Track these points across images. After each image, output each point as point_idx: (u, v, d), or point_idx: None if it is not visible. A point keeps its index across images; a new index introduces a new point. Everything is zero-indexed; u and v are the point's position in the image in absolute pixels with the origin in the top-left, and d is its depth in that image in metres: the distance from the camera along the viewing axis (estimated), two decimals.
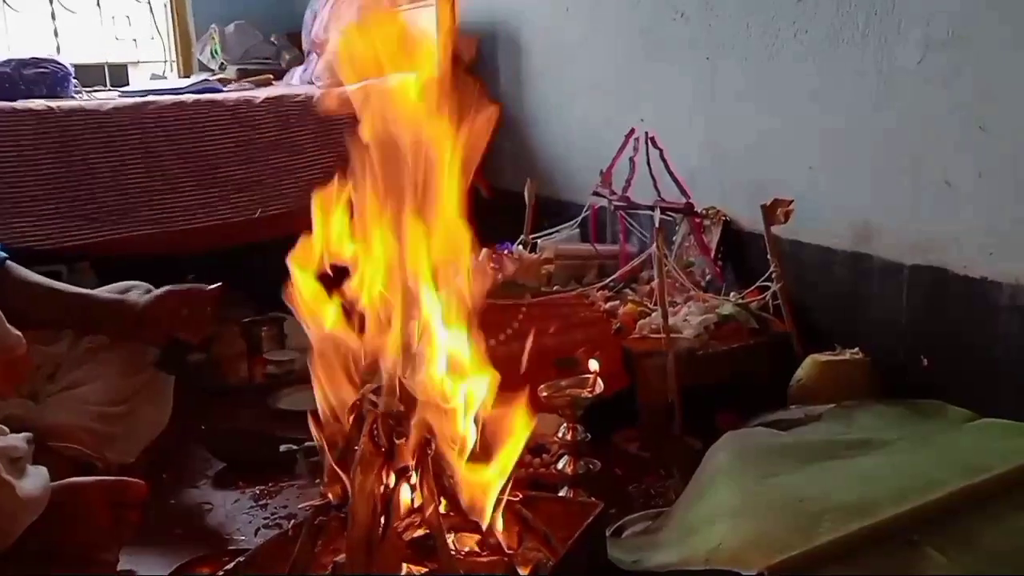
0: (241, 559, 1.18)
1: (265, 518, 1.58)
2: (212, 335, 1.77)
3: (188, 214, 2.47)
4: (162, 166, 2.46)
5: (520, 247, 2.34)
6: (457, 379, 1.14)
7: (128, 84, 3.13)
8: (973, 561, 1.12)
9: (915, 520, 1.18)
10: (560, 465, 1.51)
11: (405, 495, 1.10)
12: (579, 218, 2.43)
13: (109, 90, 3.00)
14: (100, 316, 1.66)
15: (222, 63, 3.37)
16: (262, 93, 2.74)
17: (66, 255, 2.36)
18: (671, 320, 1.82)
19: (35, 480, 1.24)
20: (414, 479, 1.10)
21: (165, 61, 3.64)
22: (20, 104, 2.37)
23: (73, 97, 2.68)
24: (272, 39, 3.48)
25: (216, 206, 2.51)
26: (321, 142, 2.65)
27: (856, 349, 1.77)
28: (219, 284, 1.72)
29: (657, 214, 2.02)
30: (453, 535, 1.12)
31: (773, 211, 1.89)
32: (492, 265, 2.07)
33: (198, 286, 1.71)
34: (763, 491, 1.32)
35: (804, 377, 1.76)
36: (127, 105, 2.47)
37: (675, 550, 1.29)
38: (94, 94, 2.85)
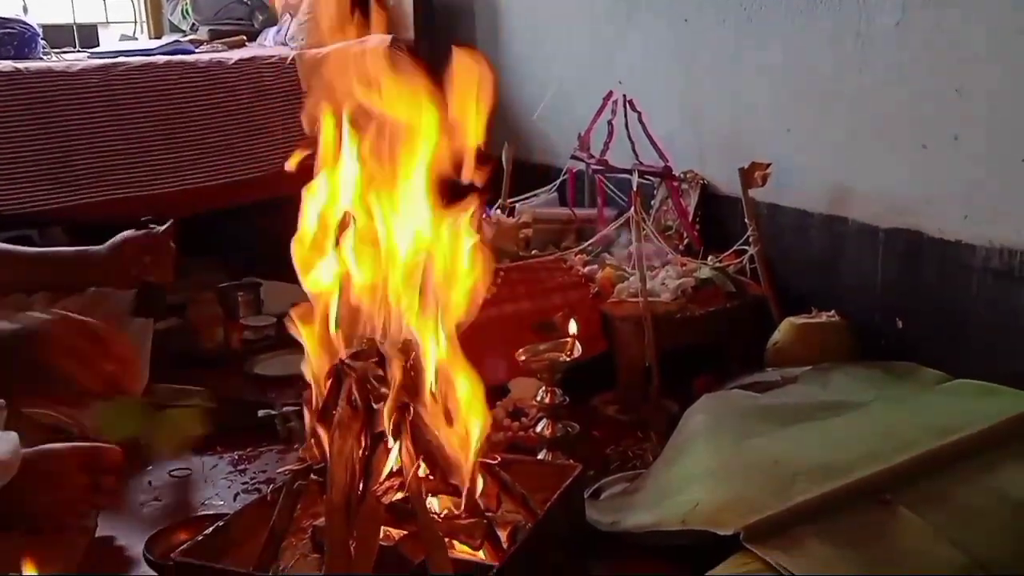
0: (220, 524, 1.18)
1: (244, 483, 1.58)
2: (181, 273, 1.77)
3: (160, 178, 2.43)
4: (133, 129, 2.41)
5: (498, 211, 2.33)
6: (438, 344, 1.14)
7: (98, 45, 3.07)
8: (944, 519, 1.14)
9: (888, 480, 1.20)
10: (539, 428, 1.51)
11: (383, 459, 1.10)
12: (557, 182, 2.42)
13: (78, 51, 2.93)
14: (63, 270, 1.65)
15: (193, 24, 3.31)
16: (235, 55, 2.70)
17: (37, 220, 2.33)
18: (649, 284, 1.82)
19: (3, 446, 1.23)
20: (392, 443, 1.10)
21: (135, 22, 3.57)
22: None
23: (41, 58, 2.63)
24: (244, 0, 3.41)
25: (189, 170, 2.47)
26: (295, 105, 2.61)
27: (832, 312, 1.79)
28: (171, 222, 1.72)
29: (635, 178, 2.01)
30: (432, 498, 1.12)
31: (751, 174, 1.89)
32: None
33: (153, 230, 1.70)
34: (739, 453, 1.34)
35: (780, 340, 1.78)
36: (96, 67, 2.42)
37: (652, 511, 1.30)
38: (62, 55, 2.79)
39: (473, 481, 1.13)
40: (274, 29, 3.19)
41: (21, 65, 2.35)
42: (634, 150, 2.14)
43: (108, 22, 3.46)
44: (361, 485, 1.08)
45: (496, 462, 1.19)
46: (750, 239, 1.92)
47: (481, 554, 1.11)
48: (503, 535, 1.13)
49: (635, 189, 1.93)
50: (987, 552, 1.10)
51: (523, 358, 1.50)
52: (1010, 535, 1.14)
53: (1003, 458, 1.25)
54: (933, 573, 1.08)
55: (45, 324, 1.20)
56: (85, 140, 2.36)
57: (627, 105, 2.11)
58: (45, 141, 2.31)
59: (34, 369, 1.18)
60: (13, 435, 1.28)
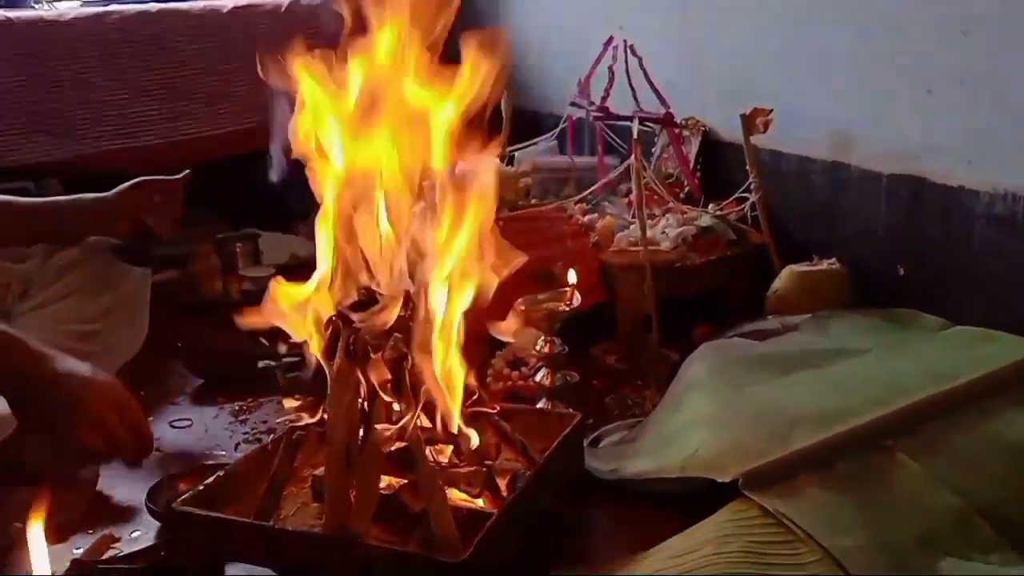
0: (221, 473, 1.18)
1: (245, 433, 1.59)
2: (181, 233, 1.78)
3: (157, 128, 2.41)
4: (128, 79, 2.39)
5: (497, 160, 2.31)
6: (436, 291, 1.13)
7: None
8: (943, 465, 1.14)
9: (887, 426, 1.20)
10: (538, 378, 1.52)
11: (383, 409, 1.11)
12: (557, 130, 2.39)
13: None
14: (61, 220, 1.64)
15: None
16: (230, 2, 2.65)
17: (32, 172, 2.31)
18: (649, 232, 1.81)
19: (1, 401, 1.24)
20: (391, 393, 1.10)
21: None
22: None
23: (33, 7, 2.59)
24: None
25: (185, 120, 2.45)
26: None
27: (833, 259, 1.78)
28: (187, 172, 1.73)
29: (636, 125, 1.99)
30: (431, 447, 1.13)
31: (752, 121, 1.87)
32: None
33: (167, 178, 1.71)
34: (738, 400, 1.34)
35: (781, 288, 1.77)
36: (89, 15, 2.38)
37: (651, 459, 1.31)
38: (54, 4, 2.75)
39: (471, 429, 1.13)
40: None
41: (12, 14, 2.32)
42: (635, 97, 2.11)
43: None
44: (361, 434, 1.08)
45: (496, 411, 1.20)
46: (751, 186, 1.90)
47: (480, 502, 1.12)
48: (502, 483, 1.14)
49: (636, 137, 1.91)
50: (985, 497, 1.11)
51: (522, 308, 1.49)
52: (1008, 481, 1.15)
53: (1003, 404, 1.25)
54: (931, 518, 1.08)
55: (86, 386, 1.25)
56: (80, 90, 2.34)
57: (628, 51, 2.08)
58: (38, 91, 2.29)
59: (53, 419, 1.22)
60: None
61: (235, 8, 2.57)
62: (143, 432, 1.31)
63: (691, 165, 2.12)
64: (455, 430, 1.12)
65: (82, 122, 2.34)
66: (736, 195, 1.95)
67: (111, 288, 1.67)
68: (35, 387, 1.22)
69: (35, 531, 0.81)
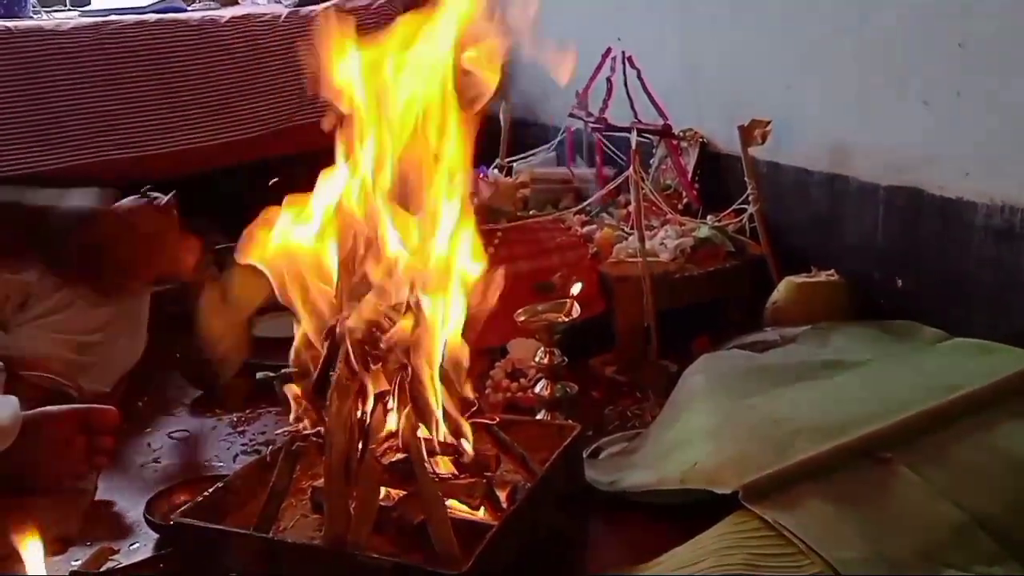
0: (220, 485, 1.18)
1: (243, 444, 1.59)
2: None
3: (155, 138, 2.41)
4: (126, 89, 2.38)
5: (496, 171, 2.32)
6: (434, 302, 1.13)
7: (89, 3, 3.02)
8: (943, 477, 1.14)
9: (887, 438, 1.20)
10: (537, 389, 1.51)
11: (382, 420, 1.10)
12: (555, 141, 2.39)
13: (69, 9, 2.89)
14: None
15: None
16: (228, 12, 2.66)
17: (30, 182, 2.31)
18: (648, 244, 1.81)
19: (3, 410, 1.23)
20: (390, 404, 1.10)
21: None
22: None
23: (31, 17, 2.59)
24: None
25: (182, 130, 2.44)
26: (290, 63, 2.58)
27: (832, 271, 1.78)
28: (173, 192, 1.69)
29: (634, 136, 1.99)
30: (430, 459, 1.12)
31: (750, 132, 1.88)
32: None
33: (155, 199, 1.67)
34: (738, 412, 1.34)
35: (780, 299, 1.77)
36: (87, 25, 2.38)
37: (651, 471, 1.30)
38: (53, 14, 2.75)
39: (470, 440, 1.13)
40: None
41: (11, 24, 2.32)
42: (633, 108, 2.11)
43: None
44: (360, 446, 1.08)
45: (495, 422, 1.19)
46: (749, 198, 1.91)
47: (480, 514, 1.11)
48: (502, 495, 1.14)
49: (634, 148, 1.91)
50: (985, 509, 1.11)
51: (522, 319, 1.49)
52: (1008, 492, 1.15)
53: (1002, 416, 1.25)
54: (932, 530, 1.08)
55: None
56: (77, 100, 2.33)
57: (626, 62, 2.09)
58: (36, 101, 2.28)
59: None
60: (13, 399, 1.28)
61: (233, 18, 2.57)
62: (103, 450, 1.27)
63: (689, 176, 2.12)
64: (454, 441, 1.12)
65: (79, 132, 2.34)
66: (734, 206, 1.95)
67: (110, 299, 1.67)
68: None
69: (31, 547, 0.81)
